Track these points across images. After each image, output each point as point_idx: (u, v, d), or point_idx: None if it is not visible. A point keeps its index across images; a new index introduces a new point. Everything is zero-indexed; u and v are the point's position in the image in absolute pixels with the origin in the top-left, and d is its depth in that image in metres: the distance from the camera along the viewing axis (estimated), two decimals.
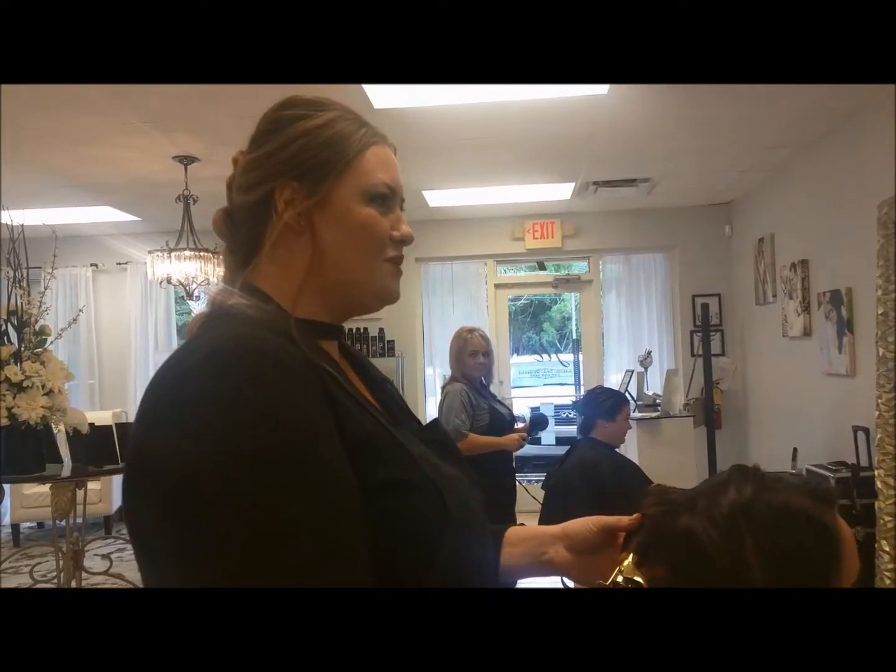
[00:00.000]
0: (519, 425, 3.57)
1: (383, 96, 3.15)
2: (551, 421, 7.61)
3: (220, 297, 0.77)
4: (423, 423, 0.91)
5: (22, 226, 3.05)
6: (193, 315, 0.81)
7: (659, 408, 5.13)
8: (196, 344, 0.68)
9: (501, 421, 3.41)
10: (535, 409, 3.82)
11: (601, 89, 3.16)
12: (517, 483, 3.55)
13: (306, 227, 0.77)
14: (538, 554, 0.87)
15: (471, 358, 3.39)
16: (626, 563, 0.73)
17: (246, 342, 0.65)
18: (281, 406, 0.62)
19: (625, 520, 0.81)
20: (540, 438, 3.67)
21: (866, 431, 3.41)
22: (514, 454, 3.56)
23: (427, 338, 6.22)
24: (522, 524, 0.95)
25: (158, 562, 0.62)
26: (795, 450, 4.37)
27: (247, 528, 0.58)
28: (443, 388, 3.55)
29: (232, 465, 0.59)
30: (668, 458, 4.68)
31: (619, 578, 0.72)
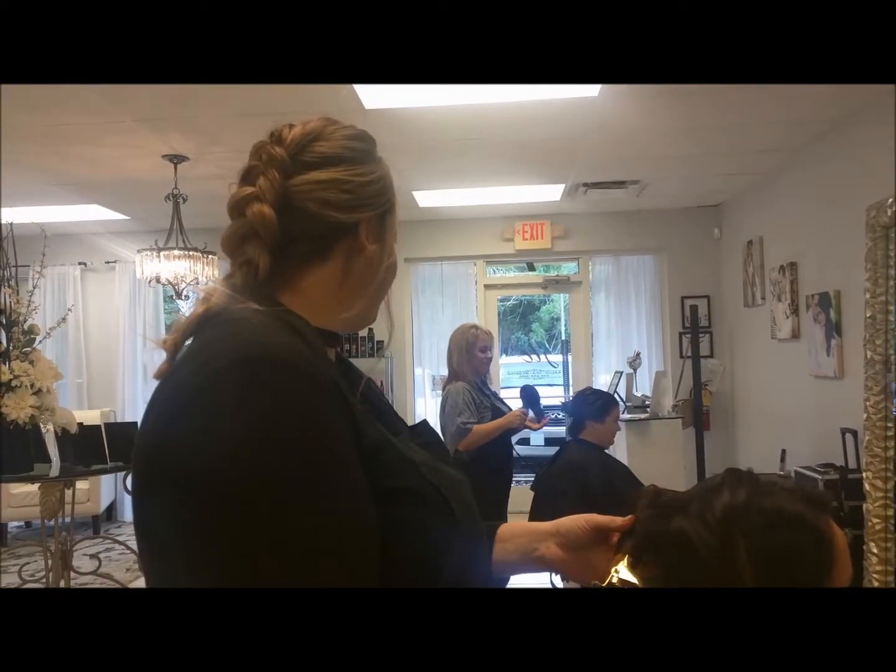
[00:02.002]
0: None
1: (374, 97, 3.15)
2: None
3: (229, 298, 0.74)
4: (411, 424, 0.92)
5: (10, 224, 3.03)
6: (189, 312, 0.76)
7: (648, 409, 5.15)
8: (221, 348, 0.66)
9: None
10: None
11: (591, 91, 3.17)
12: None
13: (376, 258, 0.83)
14: (529, 550, 0.89)
15: (481, 353, 3.41)
16: (620, 564, 0.73)
17: (275, 351, 0.65)
18: (307, 416, 0.63)
19: (618, 520, 0.82)
20: (541, 412, 3.64)
21: (854, 433, 3.43)
22: (514, 451, 3.59)
23: (416, 338, 6.21)
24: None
25: (169, 560, 0.63)
26: (784, 451, 4.40)
27: (269, 533, 0.59)
28: (443, 388, 3.54)
29: (259, 471, 0.59)
30: (656, 460, 4.70)
31: (615, 580, 0.72)
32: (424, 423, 0.93)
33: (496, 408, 3.43)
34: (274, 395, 0.62)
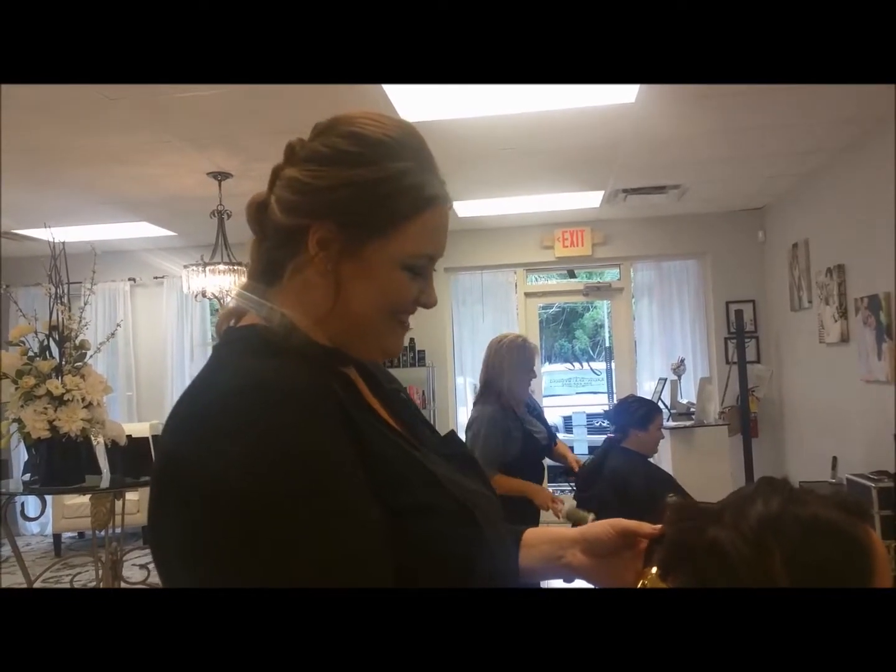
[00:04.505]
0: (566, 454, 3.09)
1: (411, 109, 3.17)
2: (583, 430, 7.55)
3: (247, 305, 0.78)
4: (442, 434, 0.91)
5: (63, 243, 3.12)
6: (220, 314, 0.82)
7: (693, 416, 5.07)
8: (224, 371, 0.71)
9: (535, 450, 2.97)
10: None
11: (628, 97, 3.15)
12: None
13: (332, 272, 0.75)
14: (555, 557, 0.88)
15: (529, 374, 2.93)
16: (649, 575, 0.72)
17: (271, 376, 0.68)
18: (300, 440, 0.64)
19: (646, 527, 0.80)
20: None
21: None
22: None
23: (457, 347, 6.22)
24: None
25: (171, 568, 0.67)
26: (835, 458, 4.29)
27: (258, 554, 0.61)
28: (474, 404, 3.06)
29: (249, 492, 0.61)
30: (702, 468, 4.62)
31: None
32: (452, 433, 0.92)
33: (528, 436, 2.93)
34: (264, 421, 0.64)
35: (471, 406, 3.18)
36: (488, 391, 2.93)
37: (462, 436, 3.19)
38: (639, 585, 0.73)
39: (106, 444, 3.19)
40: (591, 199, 5.15)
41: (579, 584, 0.90)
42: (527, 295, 6.27)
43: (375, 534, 0.66)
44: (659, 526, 0.77)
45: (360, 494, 0.66)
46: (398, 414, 0.85)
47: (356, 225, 0.74)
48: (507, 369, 2.88)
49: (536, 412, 3.14)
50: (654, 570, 0.73)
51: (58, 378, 2.96)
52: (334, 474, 0.65)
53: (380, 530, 0.66)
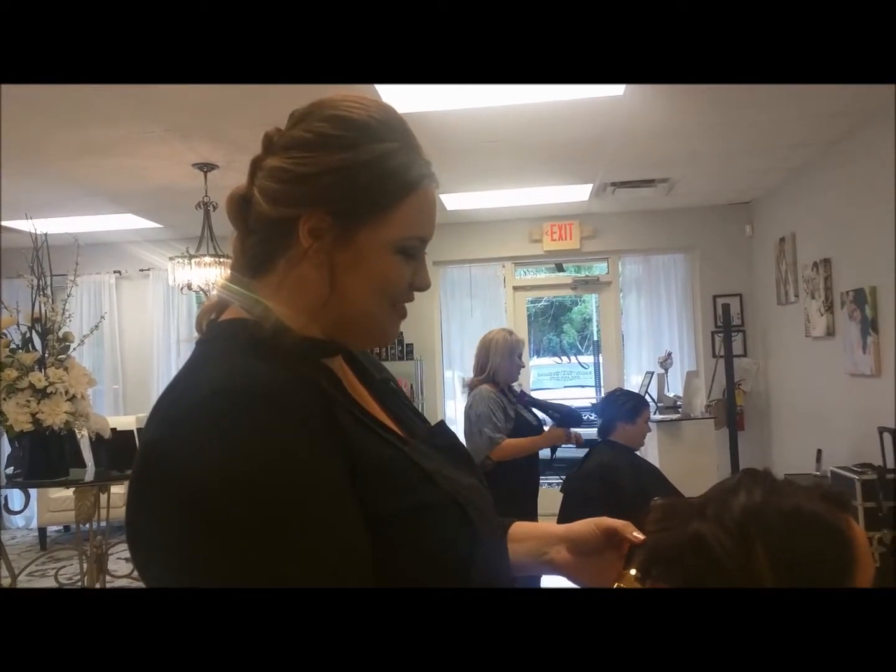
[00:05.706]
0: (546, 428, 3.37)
1: (398, 101, 3.16)
2: None
3: (233, 299, 0.76)
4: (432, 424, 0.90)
5: (45, 235, 3.09)
6: (202, 308, 0.80)
7: (680, 410, 5.09)
8: (210, 369, 0.68)
9: (527, 428, 3.23)
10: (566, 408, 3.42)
11: (617, 91, 3.15)
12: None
13: (325, 262, 0.73)
14: (540, 553, 0.88)
15: (519, 359, 3.31)
16: (626, 577, 0.72)
17: (255, 377, 0.65)
18: (282, 444, 0.63)
19: (630, 528, 0.80)
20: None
21: (892, 432, 3.36)
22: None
23: (446, 341, 6.22)
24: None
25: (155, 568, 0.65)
26: (819, 451, 4.32)
27: (232, 555, 0.59)
28: (471, 388, 3.34)
29: (227, 495, 0.60)
30: (689, 461, 4.64)
31: None
32: (441, 423, 0.90)
33: (520, 416, 3.24)
34: (249, 427, 0.62)
35: (459, 400, 3.42)
36: (482, 376, 3.27)
37: (459, 423, 3.35)
38: (614, 587, 0.72)
39: (90, 438, 3.17)
40: (579, 193, 5.15)
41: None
42: (515, 289, 6.27)
43: (354, 536, 0.65)
44: (643, 536, 0.76)
45: (340, 497, 0.65)
46: (388, 405, 0.83)
47: (347, 211, 0.72)
48: (497, 354, 3.26)
49: (528, 402, 3.39)
50: (633, 571, 0.72)
51: (41, 370, 2.93)
52: (314, 476, 0.64)
53: (361, 533, 0.65)
